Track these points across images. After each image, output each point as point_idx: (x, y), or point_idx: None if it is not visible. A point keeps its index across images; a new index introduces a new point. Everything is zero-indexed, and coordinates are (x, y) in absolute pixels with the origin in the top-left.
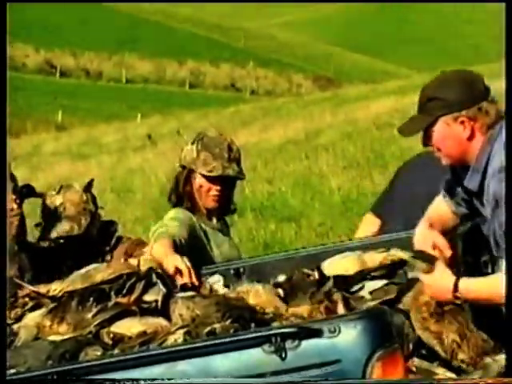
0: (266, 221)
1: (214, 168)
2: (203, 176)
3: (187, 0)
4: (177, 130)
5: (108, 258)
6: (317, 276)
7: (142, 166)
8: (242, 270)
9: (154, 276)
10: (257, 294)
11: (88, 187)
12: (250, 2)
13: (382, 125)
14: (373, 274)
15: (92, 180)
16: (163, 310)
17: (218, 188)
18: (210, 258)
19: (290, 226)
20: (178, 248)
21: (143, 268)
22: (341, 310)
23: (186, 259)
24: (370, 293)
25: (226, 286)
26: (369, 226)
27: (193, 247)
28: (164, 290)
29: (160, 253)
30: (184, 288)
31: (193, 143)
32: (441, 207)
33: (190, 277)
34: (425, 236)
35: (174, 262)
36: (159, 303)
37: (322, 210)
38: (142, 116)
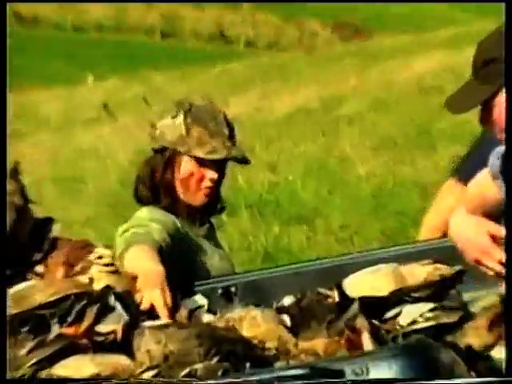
0: (266, 222)
1: (215, 149)
2: (197, 160)
3: None
4: (143, 97)
5: (40, 269)
6: (336, 298)
7: (96, 146)
8: (233, 289)
9: (111, 298)
10: (254, 323)
11: (14, 173)
12: None
13: (427, 89)
14: (414, 294)
15: (17, 163)
16: (124, 345)
17: (215, 177)
18: (204, 275)
19: (300, 229)
20: (165, 260)
21: (97, 286)
22: (369, 344)
23: (166, 286)
24: (411, 321)
25: (212, 311)
26: (450, 196)
27: (179, 261)
28: (126, 316)
29: (138, 264)
30: (154, 314)
31: (175, 116)
32: (487, 190)
33: (168, 311)
34: (476, 225)
35: (154, 286)
36: (119, 335)
37: (344, 206)
38: (94, 78)
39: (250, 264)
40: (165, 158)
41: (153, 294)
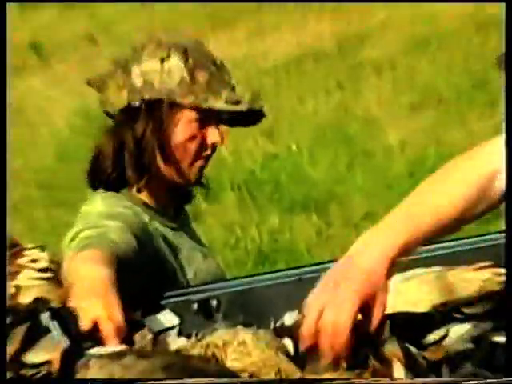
0: (260, 210)
1: (232, 98)
2: (200, 117)
3: None
4: (88, 35)
5: None
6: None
7: (22, 106)
8: (214, 302)
9: (45, 315)
10: (243, 350)
11: None
12: None
13: (485, 24)
14: (466, 310)
15: None
16: (64, 381)
17: (218, 141)
18: (181, 284)
19: (308, 220)
20: (128, 267)
21: (24, 299)
22: (401, 377)
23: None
24: (462, 347)
25: (185, 333)
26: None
27: (148, 268)
28: (65, 341)
29: (79, 270)
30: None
31: (166, 58)
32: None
33: (117, 332)
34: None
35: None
36: (55, 366)
37: (368, 187)
38: (19, 8)
39: (237, 268)
40: (152, 115)
41: (93, 307)
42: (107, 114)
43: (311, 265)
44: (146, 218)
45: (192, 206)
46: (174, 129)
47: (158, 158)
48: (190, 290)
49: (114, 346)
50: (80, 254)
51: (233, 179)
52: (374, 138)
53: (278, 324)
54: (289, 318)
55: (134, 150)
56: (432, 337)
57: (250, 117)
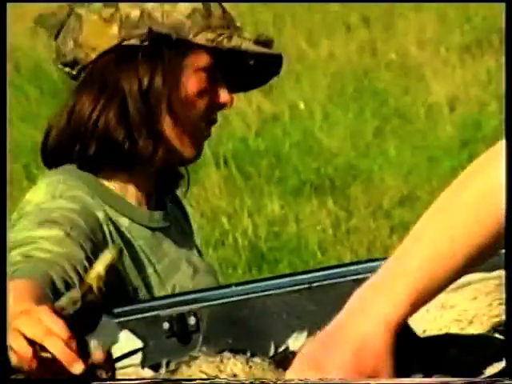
0: (255, 191)
1: (260, 38)
2: (223, 60)
3: None
4: None
5: None
6: None
7: None
8: (191, 320)
9: None
10: None
11: None
12: None
13: None
14: None
15: None
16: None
17: (228, 100)
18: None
19: (321, 206)
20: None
21: None
22: None
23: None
24: None
25: (150, 363)
26: None
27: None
28: None
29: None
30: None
31: None
32: None
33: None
34: None
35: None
36: None
37: (403, 161)
38: None
39: (223, 272)
40: (155, 58)
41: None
42: (67, 65)
43: (324, 268)
44: (110, 213)
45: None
46: (183, 79)
47: (166, 119)
48: (158, 302)
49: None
50: (10, 283)
51: (217, 150)
52: (412, 92)
53: (279, 350)
54: (295, 342)
55: (140, 107)
56: (492, 369)
57: (265, 72)
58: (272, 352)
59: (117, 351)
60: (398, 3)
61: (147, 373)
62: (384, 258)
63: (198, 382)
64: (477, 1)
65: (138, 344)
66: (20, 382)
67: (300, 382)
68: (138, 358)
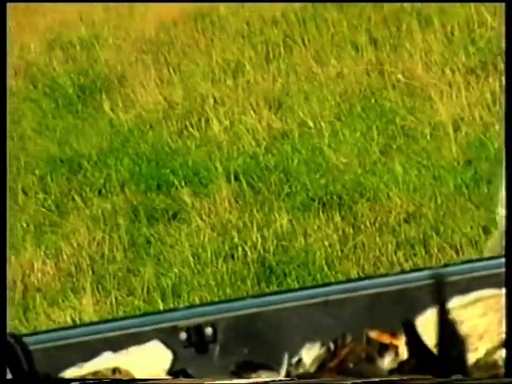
0: (264, 206)
1: None
2: None
3: None
4: None
5: None
6: (404, 350)
7: None
8: (208, 330)
9: None
10: None
11: None
12: None
13: None
14: None
15: None
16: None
17: None
18: None
19: (329, 221)
20: None
21: None
22: None
23: None
24: None
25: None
26: None
27: None
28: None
29: None
30: None
31: None
32: None
33: None
34: None
35: None
36: None
37: (409, 178)
38: None
39: (233, 285)
40: None
41: None
42: None
43: (336, 283)
44: None
45: (173, 200)
46: None
47: None
48: (177, 313)
49: None
50: None
51: (228, 166)
52: (417, 112)
53: (293, 360)
54: (308, 353)
55: None
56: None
57: None
58: (285, 362)
59: (145, 361)
60: (405, 25)
61: (169, 379)
62: (394, 274)
63: (196, 381)
64: (477, 1)
65: (169, 354)
66: (19, 382)
67: (300, 381)
68: (165, 367)
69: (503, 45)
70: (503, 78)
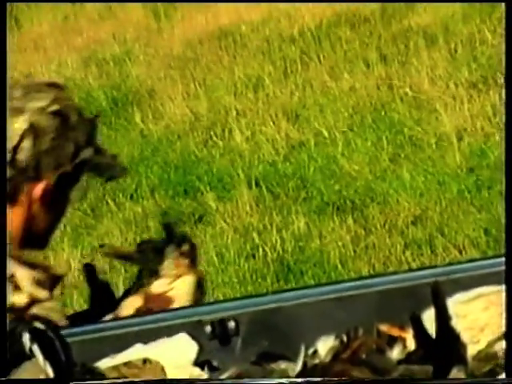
0: (283, 210)
1: None
2: None
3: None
4: None
5: None
6: (412, 342)
7: None
8: (231, 324)
9: (27, 337)
10: None
11: None
12: None
13: None
14: None
15: None
16: None
17: None
18: None
19: (342, 224)
20: None
21: None
22: None
23: None
24: None
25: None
26: None
27: None
28: (49, 371)
29: None
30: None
31: None
32: None
33: None
34: None
35: None
36: None
37: (418, 184)
38: None
39: (254, 282)
40: None
41: None
42: None
43: (348, 280)
44: None
45: (199, 204)
46: None
47: None
48: (202, 308)
49: None
50: None
51: (249, 173)
52: (424, 123)
53: (309, 351)
54: (323, 344)
55: None
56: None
57: None
58: (302, 353)
59: (173, 353)
60: (412, 43)
61: (195, 371)
62: (402, 272)
63: (197, 382)
64: (477, 1)
65: (194, 346)
66: (18, 382)
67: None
68: (192, 358)
69: (503, 61)
70: (503, 92)
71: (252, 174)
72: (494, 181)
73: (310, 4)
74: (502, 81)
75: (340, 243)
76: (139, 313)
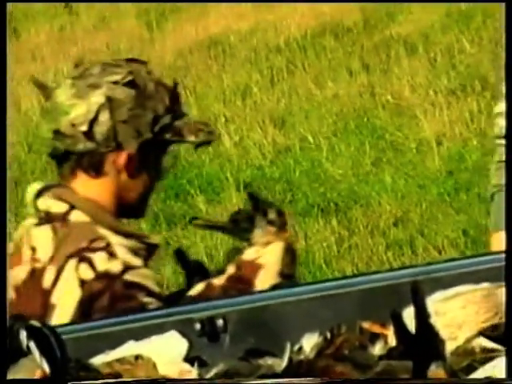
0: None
1: None
2: None
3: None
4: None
5: None
6: (393, 339)
7: None
8: (220, 322)
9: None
10: None
11: None
12: None
13: None
14: None
15: None
16: None
17: None
18: None
19: (327, 226)
20: None
21: None
22: None
23: None
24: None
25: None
26: None
27: None
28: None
29: None
30: None
31: None
32: None
33: None
34: None
35: None
36: None
37: (399, 187)
38: None
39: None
40: None
41: None
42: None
43: (332, 279)
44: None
45: (190, 207)
46: None
47: None
48: (192, 307)
49: None
50: None
51: (238, 177)
52: (405, 129)
53: (295, 348)
54: (308, 341)
55: None
56: (484, 370)
57: None
58: (288, 349)
59: (164, 349)
60: (394, 52)
61: (185, 366)
62: (384, 271)
63: (196, 382)
64: (476, 1)
65: (185, 343)
66: (18, 382)
67: (299, 381)
68: (182, 354)
69: (481, 69)
70: (480, 99)
71: (240, 178)
72: (472, 184)
73: (297, 15)
74: (479, 88)
75: (324, 244)
76: (231, 280)
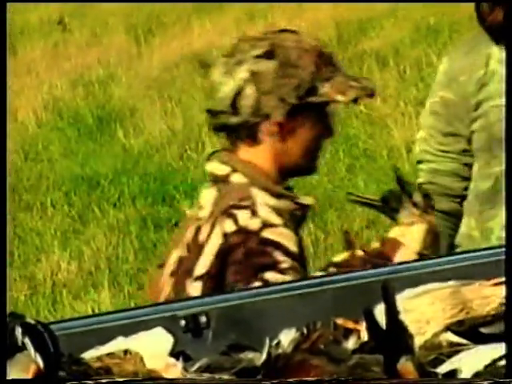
0: None
1: None
2: None
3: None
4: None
5: None
6: (365, 334)
7: None
8: (203, 318)
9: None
10: None
11: None
12: None
13: None
14: (485, 330)
15: None
16: None
17: None
18: None
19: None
20: None
21: None
22: None
23: None
24: (476, 374)
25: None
26: None
27: None
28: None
29: None
30: None
31: None
32: None
33: None
34: None
35: None
36: None
37: (370, 192)
38: None
39: None
40: None
41: None
42: None
43: (308, 278)
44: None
45: (176, 211)
46: None
47: None
48: (177, 305)
49: None
50: None
51: None
52: (377, 137)
53: (273, 343)
54: (286, 336)
55: None
56: (447, 365)
57: None
58: (267, 344)
59: (151, 344)
60: (366, 65)
61: (171, 360)
62: (357, 270)
63: (196, 381)
64: (477, 0)
65: (170, 339)
66: (18, 382)
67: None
68: (167, 349)
69: None
70: None
71: None
72: None
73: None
74: None
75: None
76: (372, 254)
